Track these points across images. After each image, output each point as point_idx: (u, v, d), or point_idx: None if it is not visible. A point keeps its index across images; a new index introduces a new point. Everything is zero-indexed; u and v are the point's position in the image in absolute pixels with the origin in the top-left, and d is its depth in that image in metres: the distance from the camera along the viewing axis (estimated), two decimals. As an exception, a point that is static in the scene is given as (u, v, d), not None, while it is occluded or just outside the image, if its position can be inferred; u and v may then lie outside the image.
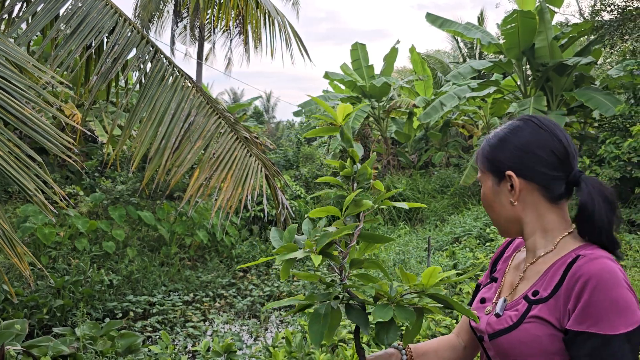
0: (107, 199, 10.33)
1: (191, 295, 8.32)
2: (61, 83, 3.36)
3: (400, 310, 1.12)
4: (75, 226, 8.60)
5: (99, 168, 12.82)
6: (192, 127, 4.81)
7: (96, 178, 11.97)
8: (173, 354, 3.19)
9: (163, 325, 7.03)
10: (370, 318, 1.17)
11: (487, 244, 7.31)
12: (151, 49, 4.93)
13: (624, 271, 1.13)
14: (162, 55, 4.94)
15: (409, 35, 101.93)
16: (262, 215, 12.32)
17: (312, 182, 16.16)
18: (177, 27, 21.19)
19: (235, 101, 41.55)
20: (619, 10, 10.47)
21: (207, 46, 20.81)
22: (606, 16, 10.97)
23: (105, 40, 4.74)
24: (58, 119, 10.29)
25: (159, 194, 12.34)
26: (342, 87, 17.39)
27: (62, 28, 4.47)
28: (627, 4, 10.44)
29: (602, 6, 10.81)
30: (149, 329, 6.79)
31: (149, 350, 3.72)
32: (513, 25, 11.00)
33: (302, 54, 6.88)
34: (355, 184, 1.27)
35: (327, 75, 16.69)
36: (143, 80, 4.74)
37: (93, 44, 4.61)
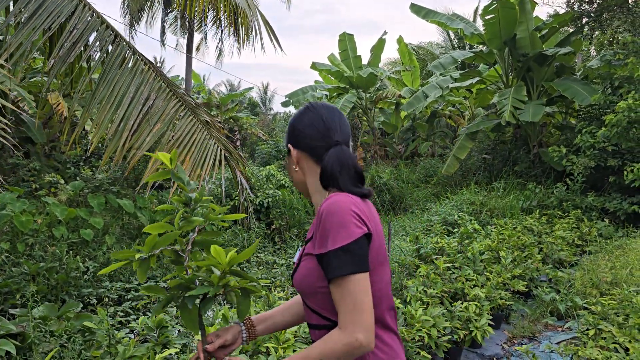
0: (88, 187, 10.38)
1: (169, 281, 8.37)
2: (2, 67, 3.41)
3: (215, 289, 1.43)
4: (54, 214, 8.65)
5: (83, 157, 12.87)
6: (152, 111, 4.85)
7: (80, 167, 12.01)
8: (108, 329, 3.25)
9: (136, 311, 7.09)
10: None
11: (455, 229, 7.41)
12: (111, 32, 4.97)
13: (365, 206, 1.44)
14: (122, 40, 4.98)
15: (405, 27, 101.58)
16: (245, 204, 12.35)
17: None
18: (168, 17, 21.13)
19: (232, 92, 41.52)
20: (598, 1, 10.50)
21: (198, 37, 20.77)
22: (586, 7, 11.01)
23: (67, 25, 4.77)
24: (47, 107, 10.16)
25: (141, 183, 12.37)
26: (331, 77, 17.42)
27: (21, 11, 4.50)
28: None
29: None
30: (121, 314, 6.84)
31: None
32: (494, 15, 11.05)
33: (273, 45, 6.96)
34: (192, 207, 1.56)
35: (314, 66, 16.70)
36: (102, 64, 4.79)
37: (52, 28, 4.63)
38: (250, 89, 26.99)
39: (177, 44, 30.66)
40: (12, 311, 4.55)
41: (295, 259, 1.54)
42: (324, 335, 1.38)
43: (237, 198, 12.06)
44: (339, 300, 1.32)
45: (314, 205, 1.58)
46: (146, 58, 5.04)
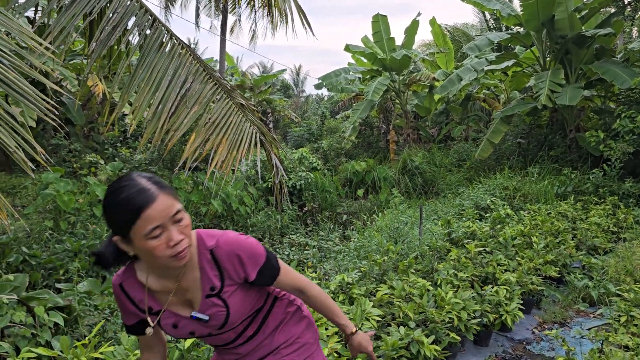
0: (126, 167, 10.66)
1: (202, 260, 8.58)
2: (47, 49, 3.54)
3: None
4: (95, 193, 8.92)
5: (121, 138, 13.19)
6: (189, 93, 4.97)
7: (117, 148, 12.32)
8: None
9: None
10: None
11: (487, 214, 7.38)
12: (149, 17, 5.08)
13: None
14: (160, 24, 5.09)
15: (438, 8, 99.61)
16: (280, 186, 12.47)
17: (330, 154, 16.28)
18: (202, -1, 21.21)
19: (264, 74, 41.67)
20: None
21: (232, 19, 20.84)
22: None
23: (107, 9, 4.90)
24: (86, 87, 10.42)
25: (179, 164, 12.63)
26: (365, 60, 17.33)
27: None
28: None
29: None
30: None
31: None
32: (532, -5, 10.79)
33: (304, 29, 6.99)
34: None
35: (347, 48, 16.63)
36: (140, 48, 4.92)
37: (93, 13, 4.76)
38: (283, 71, 27.05)
39: (211, 26, 30.76)
40: (58, 285, 4.78)
41: (204, 316, 1.65)
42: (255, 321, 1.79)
43: (270, 179, 12.21)
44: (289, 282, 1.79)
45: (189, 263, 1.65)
46: (183, 42, 5.14)
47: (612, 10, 11.96)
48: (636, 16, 10.97)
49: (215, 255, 1.59)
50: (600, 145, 9.73)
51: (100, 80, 12.43)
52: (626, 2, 10.84)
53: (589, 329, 4.53)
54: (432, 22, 16.54)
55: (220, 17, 19.28)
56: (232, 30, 21.08)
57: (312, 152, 16.00)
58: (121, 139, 13.23)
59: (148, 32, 5.03)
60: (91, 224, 8.76)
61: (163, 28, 5.07)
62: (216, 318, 1.64)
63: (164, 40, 5.02)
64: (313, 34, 7.06)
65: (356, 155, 17.27)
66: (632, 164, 9.61)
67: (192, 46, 34.19)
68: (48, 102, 3.06)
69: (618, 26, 11.26)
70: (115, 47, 5.04)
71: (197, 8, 21.22)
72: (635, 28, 13.92)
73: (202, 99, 4.97)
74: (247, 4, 19.22)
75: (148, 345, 1.82)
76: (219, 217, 11.05)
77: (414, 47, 17.78)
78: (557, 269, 5.48)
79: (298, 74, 45.84)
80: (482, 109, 18.12)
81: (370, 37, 16.70)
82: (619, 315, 4.11)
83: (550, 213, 7.65)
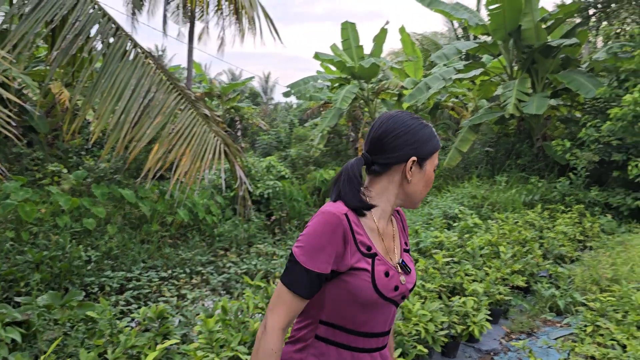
0: (91, 177, 10.41)
1: (169, 272, 8.42)
2: (4, 58, 3.40)
3: None
4: (57, 203, 8.68)
5: (85, 147, 12.88)
6: (152, 103, 4.86)
7: (82, 156, 12.04)
8: (110, 319, 3.30)
9: (137, 300, 7.14)
10: None
11: (455, 223, 7.40)
12: (112, 25, 4.96)
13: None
14: (122, 32, 4.98)
15: (408, 16, 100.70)
16: (245, 196, 12.34)
17: (298, 162, 16.21)
18: (169, 5, 20.96)
19: (233, 82, 41.38)
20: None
21: (200, 26, 20.64)
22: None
23: (69, 17, 4.76)
24: (50, 96, 10.16)
25: (142, 174, 12.37)
26: (333, 67, 17.34)
27: (25, 3, 4.49)
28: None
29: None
30: (122, 302, 6.90)
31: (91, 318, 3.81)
32: (498, 5, 10.94)
33: (272, 36, 6.96)
34: None
35: (317, 56, 16.62)
36: (103, 56, 4.79)
37: (54, 20, 4.63)
38: (251, 78, 26.93)
39: (178, 33, 30.39)
40: (17, 299, 4.61)
41: (411, 267, 1.59)
42: None
43: (236, 189, 12.06)
44: None
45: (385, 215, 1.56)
46: (147, 51, 5.04)
47: (577, 21, 12.21)
48: (600, 27, 11.22)
49: (400, 213, 1.69)
50: (566, 154, 9.90)
51: (65, 87, 12.13)
52: (591, 12, 11.09)
53: (555, 339, 4.56)
54: (401, 30, 16.65)
55: (188, 24, 19.06)
56: (200, 38, 20.85)
57: (280, 160, 15.91)
58: (86, 147, 12.94)
59: (111, 40, 4.91)
60: (54, 234, 8.51)
61: (126, 37, 4.96)
62: (412, 275, 1.59)
63: (127, 48, 4.91)
64: (281, 42, 7.03)
65: (325, 164, 17.21)
66: (597, 172, 9.81)
67: (160, 54, 33.78)
68: (6, 113, 2.94)
69: (583, 36, 11.51)
70: (78, 54, 4.91)
71: (165, 15, 20.95)
72: (600, 38, 14.23)
73: (165, 109, 4.87)
74: (215, 12, 19.04)
75: (292, 319, 1.46)
76: (185, 226, 10.86)
77: (382, 55, 17.87)
78: (525, 278, 5.52)
79: (267, 82, 45.66)
80: (450, 118, 18.31)
81: (339, 45, 16.73)
82: (585, 326, 4.14)
83: (518, 222, 7.72)
